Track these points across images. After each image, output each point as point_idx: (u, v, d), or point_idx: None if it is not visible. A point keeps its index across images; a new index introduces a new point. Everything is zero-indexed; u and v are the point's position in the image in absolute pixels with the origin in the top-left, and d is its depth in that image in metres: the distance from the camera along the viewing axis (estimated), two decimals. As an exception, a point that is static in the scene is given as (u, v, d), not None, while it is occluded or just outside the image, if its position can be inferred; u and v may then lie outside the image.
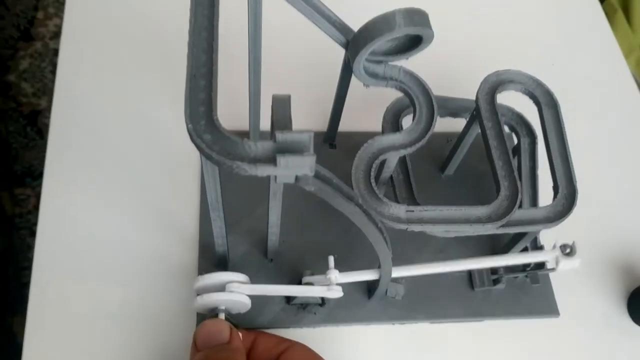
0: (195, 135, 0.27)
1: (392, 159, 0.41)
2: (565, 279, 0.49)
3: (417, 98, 0.41)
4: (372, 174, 0.39)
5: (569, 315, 0.48)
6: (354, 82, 0.44)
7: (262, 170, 0.27)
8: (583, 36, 0.66)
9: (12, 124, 1.15)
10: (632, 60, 1.33)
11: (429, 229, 0.38)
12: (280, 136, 0.27)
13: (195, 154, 0.51)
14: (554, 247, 0.42)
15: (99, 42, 0.56)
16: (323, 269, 0.44)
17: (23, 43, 1.23)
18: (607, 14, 0.69)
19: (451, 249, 0.49)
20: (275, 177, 0.28)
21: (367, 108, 0.51)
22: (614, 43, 0.65)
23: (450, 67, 0.58)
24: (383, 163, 0.43)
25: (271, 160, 0.27)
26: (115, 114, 0.52)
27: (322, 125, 0.52)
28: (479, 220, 0.39)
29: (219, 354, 0.35)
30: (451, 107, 0.47)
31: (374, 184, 0.39)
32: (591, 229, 0.52)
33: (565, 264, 0.41)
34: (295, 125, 0.45)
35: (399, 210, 0.38)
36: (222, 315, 0.40)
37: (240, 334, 0.39)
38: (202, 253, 0.46)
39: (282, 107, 0.29)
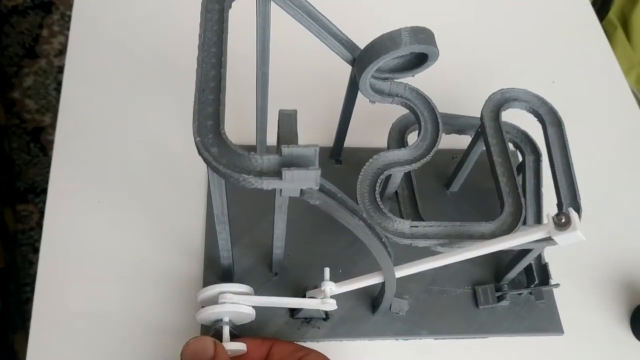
0: (202, 149, 0.28)
1: (397, 175, 0.42)
2: (569, 297, 0.49)
3: (423, 115, 0.42)
4: (377, 189, 0.39)
5: (573, 333, 0.48)
6: (360, 98, 0.44)
7: (268, 184, 0.27)
8: (583, 54, 0.66)
9: (15, 141, 1.16)
10: (632, 77, 1.33)
11: (433, 244, 0.39)
12: (285, 150, 0.27)
13: (201, 167, 0.51)
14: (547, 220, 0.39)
15: (104, 57, 0.57)
16: (327, 283, 0.44)
17: (28, 60, 1.24)
18: (606, 31, 0.70)
19: (455, 265, 0.48)
20: (281, 190, 0.28)
21: (372, 124, 0.52)
22: (614, 60, 0.66)
23: (453, 84, 0.59)
24: (388, 178, 0.43)
25: (277, 173, 0.27)
26: (119, 128, 0.53)
27: (328, 140, 0.53)
28: (482, 237, 0.39)
29: None
30: (456, 124, 0.48)
31: (378, 199, 0.39)
32: (594, 246, 0.52)
33: (565, 238, 0.33)
34: (301, 140, 0.45)
35: (404, 225, 0.39)
36: (226, 327, 0.41)
37: (255, 342, 0.39)
38: (207, 265, 0.46)
39: (288, 121, 0.30)
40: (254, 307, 0.41)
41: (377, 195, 0.39)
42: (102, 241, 0.47)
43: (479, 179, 0.51)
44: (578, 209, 0.42)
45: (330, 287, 0.39)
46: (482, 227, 0.39)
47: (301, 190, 0.28)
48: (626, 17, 1.22)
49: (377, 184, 0.39)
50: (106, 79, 0.55)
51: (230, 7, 0.33)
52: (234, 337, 0.41)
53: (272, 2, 0.36)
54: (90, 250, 0.46)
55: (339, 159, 0.53)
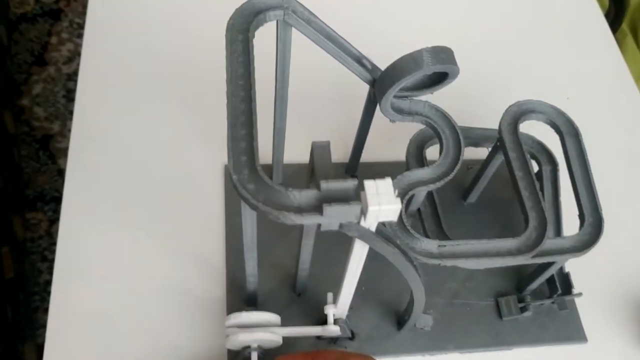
0: (240, 187, 0.28)
1: (421, 194, 0.42)
2: (591, 306, 0.49)
3: (444, 132, 0.41)
4: (403, 209, 0.39)
5: (596, 341, 0.48)
6: (376, 113, 0.44)
7: (309, 220, 0.27)
8: (597, 68, 0.66)
9: (24, 148, 1.16)
10: None
11: (462, 263, 0.39)
12: (324, 185, 0.27)
13: (219, 186, 0.51)
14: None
15: (121, 69, 0.56)
16: (352, 302, 0.44)
17: (37, 68, 1.24)
18: (616, 38, 0.70)
19: (477, 277, 0.49)
20: (319, 225, 0.28)
21: (388, 138, 0.52)
22: (627, 73, 0.66)
23: (468, 97, 0.59)
24: (411, 197, 0.43)
25: (316, 208, 0.27)
26: (136, 144, 0.52)
27: (344, 155, 0.52)
28: (509, 253, 0.39)
29: None
30: (473, 137, 0.48)
31: (406, 221, 0.39)
32: (615, 261, 0.52)
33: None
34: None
35: (432, 245, 0.39)
36: (254, 353, 0.40)
37: (298, 357, 0.39)
38: (230, 289, 0.46)
39: (322, 154, 0.30)
40: (280, 331, 0.41)
41: (404, 216, 0.39)
42: (118, 261, 0.47)
43: (495, 189, 0.52)
44: (600, 220, 0.42)
45: (333, 312, 0.40)
46: (508, 242, 0.39)
47: (340, 224, 0.28)
48: (636, 24, 1.23)
49: (403, 205, 0.39)
50: (122, 93, 0.55)
51: (254, 36, 0.33)
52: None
53: (292, 28, 0.36)
54: (107, 269, 0.46)
55: (354, 174, 0.53)
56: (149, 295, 0.46)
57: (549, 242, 0.41)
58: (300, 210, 0.27)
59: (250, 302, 0.45)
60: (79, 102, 0.54)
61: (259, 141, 0.48)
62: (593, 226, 0.42)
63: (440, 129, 0.41)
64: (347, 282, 0.36)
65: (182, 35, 0.60)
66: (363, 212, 0.27)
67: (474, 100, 0.58)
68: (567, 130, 0.45)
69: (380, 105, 0.40)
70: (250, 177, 0.28)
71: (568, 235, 0.42)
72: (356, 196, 0.27)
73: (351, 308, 0.46)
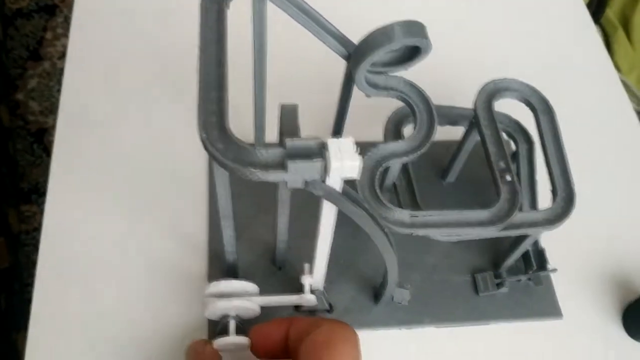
0: (209, 144, 0.29)
1: (395, 166, 0.43)
2: (567, 283, 0.50)
3: (418, 107, 0.42)
4: (377, 181, 0.40)
5: (572, 317, 0.49)
6: (355, 94, 0.45)
7: (274, 176, 0.28)
8: (574, 46, 0.67)
9: (19, 142, 1.17)
10: (634, 77, 1.35)
11: (433, 232, 0.40)
12: (289, 143, 0.28)
13: (201, 164, 0.52)
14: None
15: (104, 55, 0.58)
16: (330, 275, 0.45)
17: (32, 62, 1.26)
18: (607, 32, 0.71)
19: (455, 254, 0.50)
20: (286, 182, 0.29)
21: (368, 119, 0.53)
22: (605, 55, 0.67)
23: (446, 77, 0.60)
24: (386, 170, 0.44)
25: (282, 166, 0.28)
26: (120, 127, 0.53)
27: (325, 136, 0.53)
28: (480, 224, 0.40)
29: None
30: (450, 116, 0.49)
31: (378, 191, 0.40)
32: (590, 238, 0.53)
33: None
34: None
35: (404, 215, 0.40)
36: (232, 322, 0.41)
37: (275, 323, 0.39)
38: (211, 261, 0.47)
39: (290, 115, 0.31)
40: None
41: (377, 187, 0.40)
42: (103, 240, 0.48)
43: (474, 168, 0.52)
44: (572, 193, 0.43)
45: (309, 282, 0.40)
46: (479, 214, 0.40)
47: (305, 181, 0.29)
48: (627, 18, 1.24)
49: (376, 176, 0.40)
50: (106, 78, 0.56)
51: (228, 7, 0.34)
52: (241, 331, 0.42)
53: (268, 1, 0.37)
54: (90, 244, 0.47)
55: (336, 154, 0.53)
56: (132, 270, 0.47)
57: (522, 215, 0.42)
58: (266, 166, 0.28)
59: (231, 274, 0.46)
60: (66, 87, 0.55)
61: (241, 121, 0.50)
62: (565, 200, 0.43)
63: (414, 103, 0.42)
64: (319, 249, 0.37)
65: (170, 23, 0.61)
66: (326, 169, 0.28)
67: (453, 80, 0.59)
68: (541, 108, 0.46)
69: (355, 79, 0.41)
70: (219, 137, 0.29)
71: (541, 209, 0.43)
72: (320, 154, 0.28)
73: (330, 282, 0.47)
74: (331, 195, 0.30)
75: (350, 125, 0.50)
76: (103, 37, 0.59)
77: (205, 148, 0.29)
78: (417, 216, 0.40)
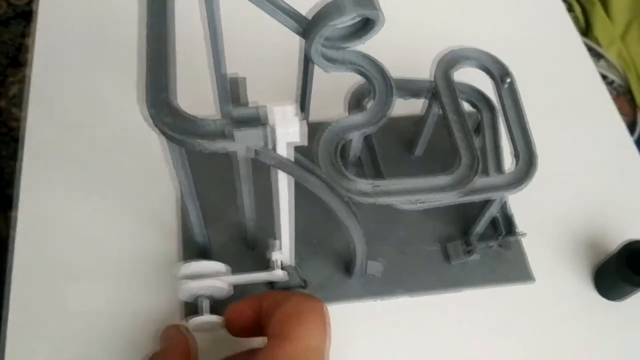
0: (157, 120, 0.29)
1: (357, 139, 0.43)
2: (538, 248, 0.51)
3: (375, 79, 0.43)
4: (337, 152, 0.41)
5: (545, 281, 0.49)
6: (318, 73, 0.46)
7: (221, 145, 0.29)
8: (533, 10, 0.67)
9: (4, 149, 1.18)
10: (614, 51, 1.35)
11: (396, 200, 0.40)
12: (235, 112, 0.29)
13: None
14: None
15: (70, 49, 0.58)
16: (303, 252, 0.46)
17: (12, 69, 1.26)
18: (585, 8, 0.71)
19: (425, 224, 0.50)
20: (236, 152, 0.30)
21: (334, 98, 0.53)
22: (567, 17, 0.67)
23: (409, 51, 0.60)
24: (350, 145, 0.45)
25: (229, 135, 0.28)
26: (88, 114, 0.54)
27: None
28: (442, 189, 0.41)
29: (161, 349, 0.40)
30: (412, 89, 0.49)
31: (339, 163, 0.40)
32: (558, 202, 0.54)
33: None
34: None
35: (366, 185, 0.40)
36: (205, 302, 0.42)
37: (248, 300, 0.40)
38: (184, 245, 0.48)
39: (237, 87, 0.31)
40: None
41: (338, 159, 0.40)
42: (76, 228, 0.48)
43: (441, 141, 0.53)
44: (533, 156, 0.44)
45: (277, 258, 0.41)
46: (441, 180, 0.41)
47: (255, 150, 0.30)
48: None
49: (336, 148, 0.41)
50: (73, 67, 0.57)
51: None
52: (215, 310, 0.42)
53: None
54: (63, 234, 0.48)
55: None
56: (106, 257, 0.47)
57: (484, 180, 0.43)
58: (213, 136, 0.29)
59: (203, 256, 0.46)
60: (35, 73, 0.56)
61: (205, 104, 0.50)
62: (527, 163, 0.44)
63: (372, 76, 0.43)
64: (282, 222, 0.38)
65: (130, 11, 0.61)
66: (272, 136, 0.28)
67: (418, 54, 0.60)
68: (501, 74, 0.47)
69: (310, 55, 0.41)
70: (168, 112, 0.29)
71: (503, 174, 0.44)
72: (265, 121, 0.28)
73: (303, 259, 0.48)
74: (283, 164, 0.31)
75: (317, 107, 0.51)
76: (68, 31, 0.59)
77: (155, 124, 0.29)
78: (379, 185, 0.40)
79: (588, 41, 1.36)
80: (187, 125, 0.29)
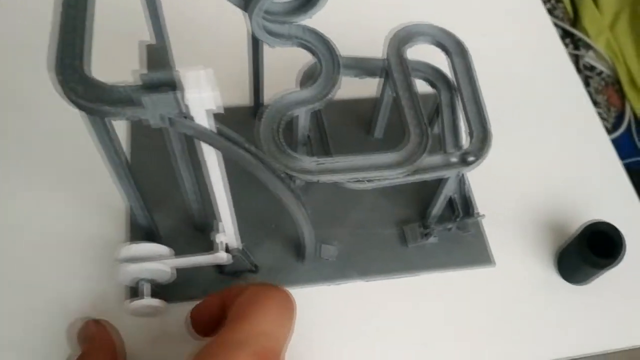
0: (65, 87, 0.28)
1: (302, 116, 0.42)
2: (499, 232, 0.49)
3: (322, 54, 0.42)
4: (280, 130, 0.39)
5: (505, 265, 0.48)
6: (269, 53, 0.45)
7: (131, 112, 0.27)
8: None
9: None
10: (602, 41, 1.34)
11: (340, 178, 0.39)
12: (145, 77, 0.27)
13: (124, 133, 0.51)
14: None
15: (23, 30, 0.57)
16: (255, 237, 0.44)
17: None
18: None
19: (382, 207, 0.49)
20: (149, 121, 0.28)
21: (290, 78, 0.52)
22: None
23: (367, 29, 0.58)
24: (296, 123, 0.43)
25: (138, 101, 0.27)
26: (35, 98, 0.52)
27: (249, 100, 0.52)
28: (389, 166, 0.39)
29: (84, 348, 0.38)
30: (367, 67, 0.48)
31: (281, 140, 0.39)
32: (520, 184, 0.52)
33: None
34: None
35: (309, 163, 0.39)
36: (147, 286, 0.41)
37: (211, 297, 0.39)
38: (131, 228, 0.46)
39: (156, 55, 0.30)
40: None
41: (280, 136, 0.39)
42: (19, 215, 0.47)
43: (401, 123, 0.51)
44: (487, 133, 0.42)
45: (221, 240, 0.40)
46: (388, 157, 0.40)
47: (169, 119, 0.28)
48: None
49: (280, 126, 0.39)
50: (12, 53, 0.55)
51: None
52: (158, 295, 0.41)
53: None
54: (11, 222, 0.47)
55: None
56: (52, 240, 0.46)
57: (435, 158, 0.42)
58: (123, 103, 0.27)
59: (150, 240, 0.45)
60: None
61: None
62: (481, 140, 0.42)
63: (318, 50, 0.42)
64: (218, 200, 0.36)
65: None
66: (184, 101, 0.27)
67: (377, 34, 0.58)
68: (455, 50, 0.45)
69: (252, 29, 0.40)
70: (79, 79, 0.28)
71: (456, 152, 0.42)
72: (175, 85, 0.27)
73: (255, 243, 0.47)
74: (202, 134, 0.29)
75: (273, 88, 0.49)
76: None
77: (63, 91, 0.28)
78: (322, 163, 0.39)
79: (576, 32, 1.35)
80: (97, 92, 0.28)
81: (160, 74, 0.27)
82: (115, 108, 0.27)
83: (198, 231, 0.47)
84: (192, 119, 0.28)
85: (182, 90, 0.27)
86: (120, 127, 0.51)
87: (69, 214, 0.47)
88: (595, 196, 0.52)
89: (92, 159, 0.49)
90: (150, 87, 0.27)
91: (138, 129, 0.51)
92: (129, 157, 0.49)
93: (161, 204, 0.47)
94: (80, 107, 0.28)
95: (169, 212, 0.47)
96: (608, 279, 0.46)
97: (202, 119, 0.29)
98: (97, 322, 0.39)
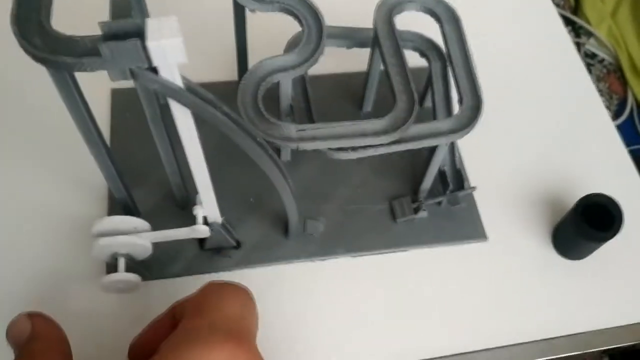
0: (23, 39, 0.26)
1: (285, 82, 0.40)
2: (493, 206, 0.47)
3: (305, 19, 0.40)
4: (259, 96, 0.38)
5: (498, 240, 0.46)
6: (261, 28, 0.43)
7: (89, 64, 0.26)
8: None
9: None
10: (604, 29, 1.32)
11: (321, 145, 0.37)
12: (104, 26, 0.25)
13: (105, 114, 0.50)
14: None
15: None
16: (239, 213, 0.43)
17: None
18: None
19: (372, 182, 0.47)
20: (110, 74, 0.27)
21: (277, 52, 0.50)
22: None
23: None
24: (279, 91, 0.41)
25: (97, 51, 0.25)
26: (16, 76, 0.51)
27: (234, 74, 0.51)
28: (375, 134, 0.38)
29: (29, 349, 0.31)
30: (356, 37, 0.46)
31: (261, 106, 0.37)
32: (515, 158, 0.51)
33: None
34: (206, 77, 0.44)
35: (290, 130, 0.37)
36: (121, 261, 0.39)
37: (161, 316, 0.34)
38: (110, 206, 0.45)
39: (120, 3, 0.28)
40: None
41: (259, 102, 0.37)
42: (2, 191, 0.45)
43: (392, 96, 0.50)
44: (479, 101, 0.41)
45: (199, 213, 0.38)
46: (374, 124, 0.38)
47: (131, 72, 0.27)
48: None
49: (259, 91, 0.38)
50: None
51: None
52: (134, 270, 0.39)
53: None
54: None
55: (246, 91, 0.51)
56: (31, 218, 0.44)
57: (424, 126, 0.40)
58: (82, 55, 0.26)
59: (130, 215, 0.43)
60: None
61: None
62: (472, 108, 0.41)
63: (301, 15, 0.40)
64: (194, 169, 0.35)
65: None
66: (146, 51, 0.25)
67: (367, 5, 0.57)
68: (447, 17, 0.44)
69: (231, -9, 0.38)
70: (39, 32, 0.26)
71: (445, 119, 0.41)
72: (136, 34, 0.25)
73: (239, 219, 0.45)
74: (167, 88, 0.28)
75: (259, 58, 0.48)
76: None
77: (19, 43, 0.26)
78: (304, 129, 0.37)
79: (577, 19, 1.33)
80: (55, 43, 0.26)
81: (121, 22, 0.25)
82: (73, 59, 0.26)
83: (179, 208, 0.45)
84: (156, 71, 0.27)
85: (143, 38, 0.25)
86: (102, 103, 0.50)
87: (49, 191, 0.46)
88: (594, 170, 0.50)
89: (75, 134, 0.48)
90: (111, 36, 0.25)
91: (119, 103, 0.50)
92: (109, 136, 0.48)
93: (143, 180, 0.45)
94: (37, 59, 0.26)
95: (150, 190, 0.45)
96: (605, 254, 0.45)
97: (168, 72, 0.27)
98: (41, 316, 0.32)
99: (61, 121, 0.48)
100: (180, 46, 0.25)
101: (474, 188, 0.45)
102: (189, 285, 0.42)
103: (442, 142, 0.40)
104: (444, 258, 0.45)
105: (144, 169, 0.46)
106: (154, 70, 0.27)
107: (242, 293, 0.33)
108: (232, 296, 0.32)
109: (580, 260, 0.46)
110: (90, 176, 0.46)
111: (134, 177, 0.43)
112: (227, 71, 0.51)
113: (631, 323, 0.44)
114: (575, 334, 0.43)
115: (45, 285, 0.42)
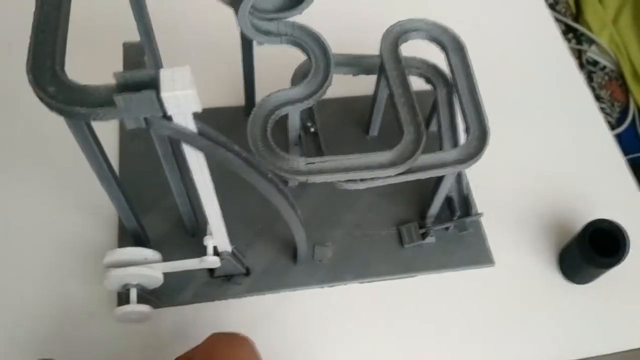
0: (37, 87, 0.27)
1: (293, 115, 0.40)
2: (499, 231, 0.48)
3: (313, 51, 0.40)
4: (268, 130, 0.38)
5: (505, 265, 0.47)
6: (261, 53, 0.43)
7: (106, 114, 0.26)
8: None
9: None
10: (605, 36, 1.32)
11: (330, 178, 0.37)
12: (119, 76, 0.26)
13: (114, 138, 0.50)
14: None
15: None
16: (247, 239, 0.43)
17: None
18: None
19: (380, 207, 0.48)
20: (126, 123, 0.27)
21: (282, 78, 0.50)
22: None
23: (362, 27, 0.57)
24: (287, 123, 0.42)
25: (112, 102, 0.26)
26: (25, 101, 0.51)
27: (241, 100, 0.51)
28: (381, 166, 0.38)
29: None
30: (362, 64, 0.46)
31: (270, 140, 0.38)
32: (522, 184, 0.51)
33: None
34: (215, 102, 0.44)
35: (299, 163, 0.37)
36: (133, 292, 0.39)
37: None
38: (121, 235, 0.45)
39: (133, 52, 0.28)
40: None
41: (269, 136, 0.38)
42: (10, 222, 0.46)
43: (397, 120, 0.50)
44: (485, 131, 0.41)
45: (210, 243, 0.39)
46: (381, 156, 0.38)
47: (145, 120, 0.27)
48: None
49: (269, 125, 0.38)
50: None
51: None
52: (146, 300, 0.40)
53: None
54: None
55: (253, 116, 0.51)
56: (41, 247, 0.45)
57: (430, 156, 0.40)
58: (97, 105, 0.26)
59: (139, 244, 0.44)
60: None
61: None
62: (478, 138, 0.41)
63: (309, 47, 0.40)
64: (205, 203, 0.35)
65: None
66: (160, 102, 0.26)
67: (371, 32, 0.57)
68: (452, 47, 0.44)
69: (240, 26, 0.39)
70: (52, 80, 0.27)
71: (452, 150, 0.41)
72: (150, 85, 0.26)
73: (247, 245, 0.46)
74: (180, 133, 0.28)
75: (265, 88, 0.48)
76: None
77: (34, 91, 0.27)
78: (312, 163, 0.38)
79: (579, 26, 1.33)
80: (71, 93, 0.26)
81: (135, 73, 0.26)
82: (88, 109, 0.26)
83: (189, 236, 0.45)
84: (170, 119, 0.27)
85: (157, 89, 0.25)
86: (111, 132, 0.50)
87: (63, 221, 0.46)
88: (599, 195, 0.50)
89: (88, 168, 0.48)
90: (125, 87, 0.26)
91: (128, 134, 0.50)
92: (119, 162, 0.49)
93: (152, 209, 0.46)
94: (52, 107, 0.26)
95: (160, 217, 0.46)
96: (611, 278, 0.45)
97: (181, 119, 0.27)
98: None
99: (74, 152, 0.49)
100: (194, 96, 0.26)
101: (481, 214, 0.45)
102: (200, 312, 0.43)
103: (449, 172, 0.41)
104: (451, 283, 0.46)
105: (153, 195, 0.46)
106: (168, 117, 0.27)
107: (247, 342, 0.34)
108: (239, 344, 0.34)
109: (587, 285, 0.46)
110: (102, 205, 0.47)
111: (143, 203, 0.44)
112: (234, 97, 0.52)
113: (637, 347, 0.44)
114: (581, 359, 0.44)
115: (56, 310, 0.43)
